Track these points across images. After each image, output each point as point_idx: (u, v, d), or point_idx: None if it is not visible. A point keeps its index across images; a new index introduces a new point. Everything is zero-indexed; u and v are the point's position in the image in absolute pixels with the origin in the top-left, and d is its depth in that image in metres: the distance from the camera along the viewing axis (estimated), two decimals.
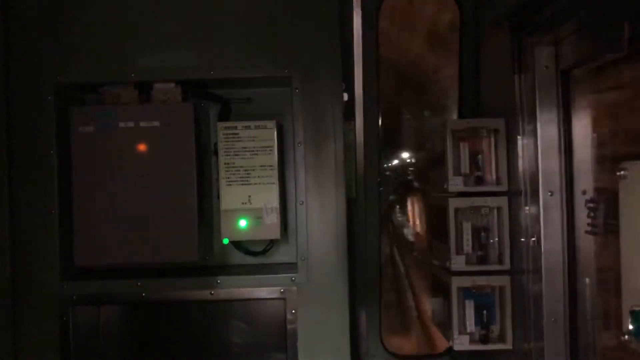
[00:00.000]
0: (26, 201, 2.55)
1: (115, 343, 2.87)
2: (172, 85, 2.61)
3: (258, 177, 2.56)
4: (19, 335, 2.56)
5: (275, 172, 2.57)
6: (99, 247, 2.54)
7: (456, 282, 2.39)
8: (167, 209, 2.53)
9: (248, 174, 2.56)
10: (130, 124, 2.53)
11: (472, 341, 2.40)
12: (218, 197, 2.60)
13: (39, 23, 2.57)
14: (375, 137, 2.92)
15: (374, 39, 2.88)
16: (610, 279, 1.84)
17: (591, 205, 1.95)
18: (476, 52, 2.79)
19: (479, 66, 2.77)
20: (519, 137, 2.22)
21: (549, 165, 2.09)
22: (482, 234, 2.40)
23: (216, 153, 2.61)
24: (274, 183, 2.57)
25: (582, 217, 2.01)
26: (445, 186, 2.39)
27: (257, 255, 2.76)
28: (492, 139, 2.39)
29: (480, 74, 2.76)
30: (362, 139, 2.88)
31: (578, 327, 2.05)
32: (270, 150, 2.57)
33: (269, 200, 2.56)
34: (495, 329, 2.40)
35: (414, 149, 4.27)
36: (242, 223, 2.56)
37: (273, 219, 2.56)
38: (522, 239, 2.21)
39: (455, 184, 2.37)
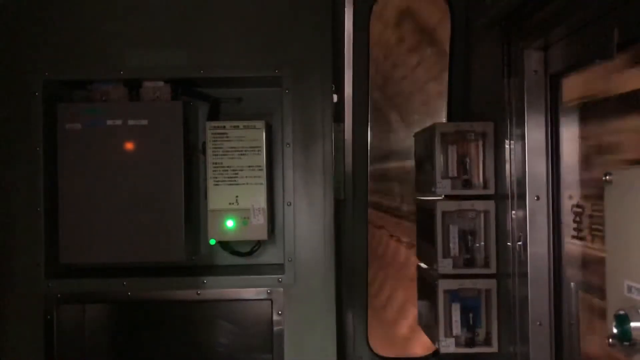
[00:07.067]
0: (11, 198, 2.53)
1: (100, 342, 2.86)
2: (162, 83, 2.60)
3: (246, 177, 2.55)
4: (3, 333, 2.54)
5: (264, 173, 2.57)
6: (85, 245, 2.53)
7: (443, 285, 2.39)
8: (154, 207, 2.52)
9: (236, 174, 2.56)
10: (118, 122, 2.52)
11: (458, 344, 2.40)
12: (205, 197, 2.59)
13: (27, 19, 2.55)
14: (364, 139, 2.92)
15: (365, 40, 2.89)
16: (596, 283, 1.85)
17: (577, 210, 1.96)
18: (467, 56, 2.79)
19: (469, 70, 2.78)
20: (507, 141, 2.23)
21: (536, 169, 2.10)
22: (469, 237, 2.40)
23: (204, 152, 2.60)
24: (261, 184, 2.56)
25: (569, 222, 2.02)
26: (432, 189, 2.39)
27: (244, 256, 2.76)
28: (480, 143, 2.40)
29: (470, 78, 2.77)
30: (351, 140, 2.88)
31: (563, 331, 2.06)
32: (259, 150, 2.57)
33: (257, 201, 2.56)
34: (481, 332, 2.41)
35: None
36: (230, 223, 2.55)
37: (260, 219, 2.55)
38: (509, 243, 2.22)
39: (443, 187, 2.37)
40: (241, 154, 2.56)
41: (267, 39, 2.57)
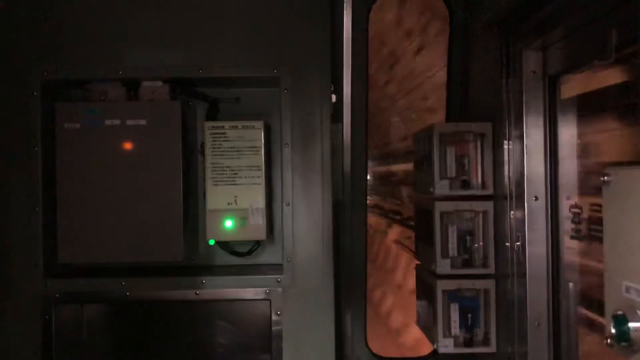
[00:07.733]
0: (10, 197, 2.53)
1: (99, 342, 2.85)
2: (160, 83, 2.60)
3: (244, 177, 2.55)
4: (1, 333, 2.53)
5: (262, 173, 2.57)
6: (83, 245, 2.52)
7: (441, 286, 2.39)
8: (153, 207, 2.52)
9: (234, 174, 2.55)
10: (117, 122, 2.52)
11: (456, 344, 2.40)
12: (204, 197, 2.59)
13: (25, 18, 2.55)
14: (363, 139, 2.92)
15: (364, 40, 2.88)
16: (594, 283, 1.85)
17: (575, 210, 1.96)
18: (465, 56, 2.79)
19: (468, 70, 2.77)
20: (505, 142, 2.23)
21: (535, 170, 2.10)
22: (468, 237, 2.40)
23: (203, 152, 2.60)
24: (260, 184, 2.56)
25: (567, 222, 2.02)
26: (431, 189, 2.39)
27: (242, 256, 2.75)
28: (479, 143, 2.40)
29: (469, 79, 2.76)
30: (349, 141, 2.88)
31: (561, 331, 2.06)
32: (257, 150, 2.57)
33: (255, 201, 2.55)
34: (480, 332, 2.41)
35: None
36: (228, 223, 2.55)
37: (259, 219, 2.55)
38: (507, 243, 2.22)
39: (441, 187, 2.37)
40: (240, 154, 2.56)
41: (266, 38, 2.57)
